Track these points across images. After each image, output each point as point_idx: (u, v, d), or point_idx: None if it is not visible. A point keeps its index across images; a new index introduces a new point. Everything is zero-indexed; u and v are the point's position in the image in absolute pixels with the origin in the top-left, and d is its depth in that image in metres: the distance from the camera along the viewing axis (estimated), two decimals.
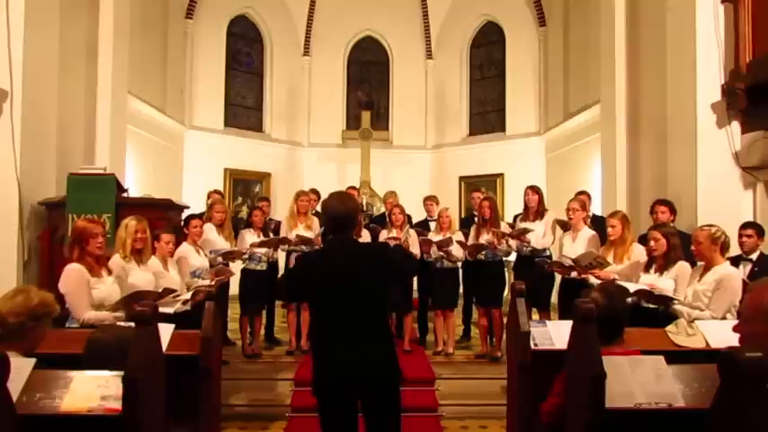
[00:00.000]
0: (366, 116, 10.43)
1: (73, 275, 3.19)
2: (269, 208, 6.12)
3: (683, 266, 3.64)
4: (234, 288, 5.43)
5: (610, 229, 4.22)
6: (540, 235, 5.23)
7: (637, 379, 2.10)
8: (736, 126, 4.79)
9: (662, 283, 3.63)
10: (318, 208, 6.60)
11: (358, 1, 10.95)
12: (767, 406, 1.56)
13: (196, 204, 5.87)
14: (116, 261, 3.57)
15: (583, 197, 5.39)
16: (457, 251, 5.37)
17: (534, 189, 5.42)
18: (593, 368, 2.03)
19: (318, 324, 2.60)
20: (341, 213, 2.56)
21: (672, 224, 4.45)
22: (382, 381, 2.49)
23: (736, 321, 1.98)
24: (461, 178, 10.68)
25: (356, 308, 2.47)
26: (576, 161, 8.45)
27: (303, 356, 5.47)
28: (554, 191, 8.26)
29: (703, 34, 4.86)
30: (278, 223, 5.97)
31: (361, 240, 5.53)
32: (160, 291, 3.56)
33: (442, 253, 5.36)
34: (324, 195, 6.69)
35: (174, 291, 3.66)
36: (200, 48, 9.88)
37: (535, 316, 5.11)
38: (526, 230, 5.17)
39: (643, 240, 4.10)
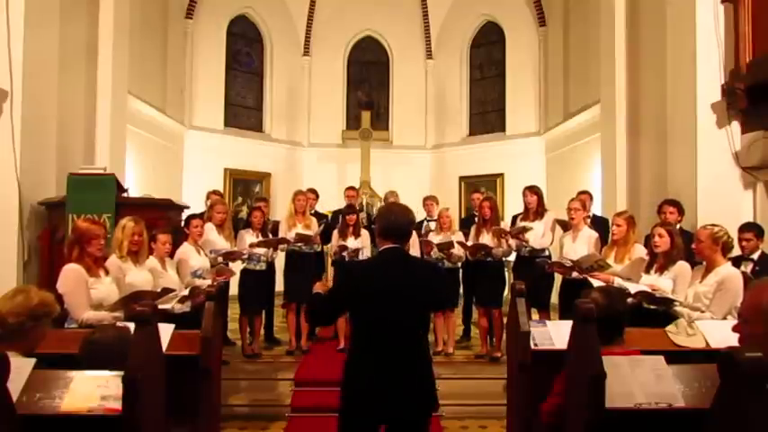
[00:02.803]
0: (366, 116, 10.43)
1: (71, 276, 3.19)
2: (267, 208, 6.12)
3: (682, 266, 3.64)
4: (234, 288, 5.43)
5: (615, 228, 4.21)
6: (539, 235, 5.23)
7: (637, 379, 2.10)
8: (736, 126, 4.79)
9: (661, 282, 3.63)
10: (318, 208, 6.62)
11: (358, 1, 10.95)
12: (767, 406, 1.56)
13: (196, 204, 5.86)
14: (113, 261, 3.56)
15: (584, 196, 5.39)
16: (457, 251, 5.37)
17: (533, 189, 5.42)
18: (593, 368, 2.03)
19: (362, 336, 2.46)
20: (403, 224, 2.51)
21: (679, 224, 4.46)
22: (417, 405, 2.40)
23: (736, 321, 1.98)
24: (461, 178, 10.68)
25: (404, 324, 2.40)
26: (576, 161, 8.45)
27: (303, 356, 5.48)
28: (554, 191, 8.26)
29: (703, 34, 4.86)
30: (275, 223, 5.97)
31: (360, 239, 5.55)
32: (159, 290, 3.56)
33: (442, 254, 5.36)
34: (323, 195, 6.83)
35: (172, 291, 3.66)
36: (200, 48, 9.88)
37: (535, 316, 5.11)
38: (525, 229, 5.17)
39: (647, 240, 4.09)
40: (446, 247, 5.31)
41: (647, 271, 3.78)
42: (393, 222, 2.52)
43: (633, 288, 3.56)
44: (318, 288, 2.64)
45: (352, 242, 5.51)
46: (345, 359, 2.51)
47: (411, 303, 2.42)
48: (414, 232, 5.67)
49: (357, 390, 2.38)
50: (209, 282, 4.33)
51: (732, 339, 1.94)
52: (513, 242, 5.33)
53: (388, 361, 2.35)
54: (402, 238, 2.53)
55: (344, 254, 5.39)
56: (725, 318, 3.30)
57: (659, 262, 3.71)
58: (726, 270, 3.42)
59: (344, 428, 2.43)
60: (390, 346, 2.37)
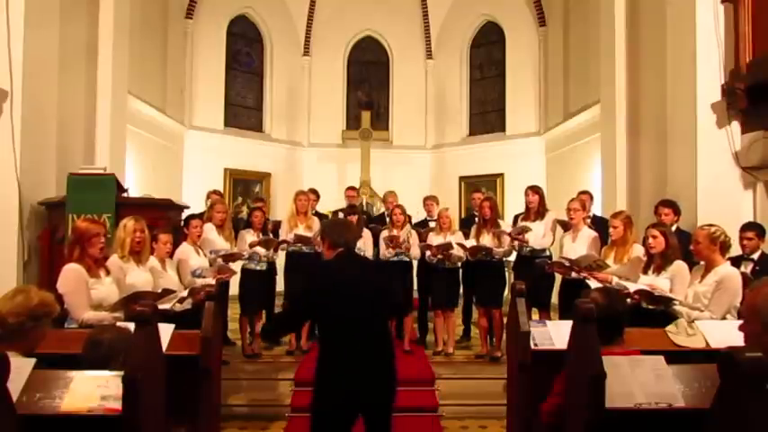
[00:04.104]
0: (366, 116, 10.43)
1: (71, 276, 3.19)
2: (266, 208, 6.12)
3: (679, 266, 3.64)
4: (234, 288, 5.43)
5: (611, 230, 4.21)
6: (539, 235, 5.22)
7: (637, 379, 2.10)
8: (736, 126, 4.79)
9: (658, 283, 3.63)
10: (318, 208, 6.62)
11: (358, 1, 10.95)
12: (767, 406, 1.56)
13: (196, 204, 5.86)
14: (114, 261, 3.56)
15: (584, 197, 5.39)
16: (457, 251, 5.37)
17: (535, 189, 5.41)
18: (593, 368, 2.03)
19: (331, 333, 2.68)
20: (356, 239, 2.93)
21: (676, 225, 4.46)
22: (388, 397, 2.67)
23: (735, 321, 1.99)
24: (461, 178, 10.67)
25: (371, 325, 2.64)
26: (576, 161, 8.45)
27: (303, 356, 5.47)
28: (554, 191, 8.24)
29: (703, 34, 4.86)
30: (276, 223, 5.97)
31: (362, 240, 5.55)
32: (159, 291, 3.56)
33: (441, 256, 5.35)
34: (323, 195, 6.83)
35: (173, 291, 3.66)
36: (200, 48, 9.88)
37: (535, 316, 5.11)
38: (525, 229, 5.16)
39: (645, 241, 4.09)
40: (445, 248, 5.30)
41: (645, 271, 3.78)
42: (348, 240, 2.86)
43: (632, 287, 3.57)
44: None
45: None
46: (317, 357, 2.69)
47: (371, 297, 2.69)
48: (414, 232, 5.72)
49: (333, 384, 2.58)
50: (209, 281, 4.32)
51: (732, 339, 1.94)
52: (515, 242, 5.32)
53: (357, 353, 2.58)
54: (349, 246, 2.86)
55: None
56: (724, 317, 3.31)
57: (656, 262, 3.72)
58: (724, 270, 3.42)
59: (320, 423, 2.60)
60: (359, 338, 2.61)
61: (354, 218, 5.63)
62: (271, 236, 5.55)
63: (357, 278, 2.68)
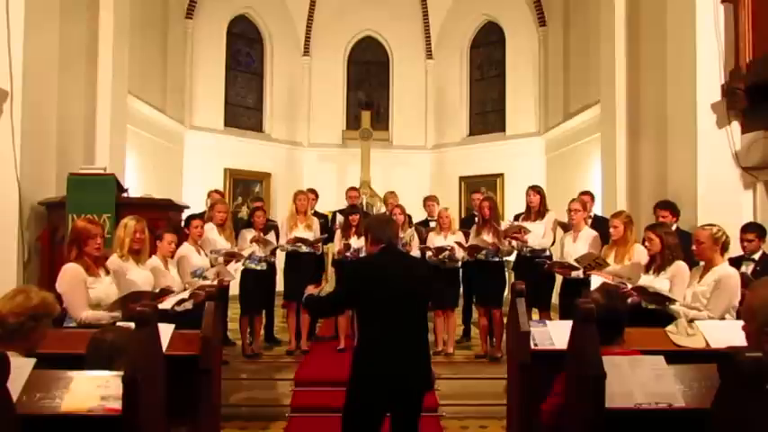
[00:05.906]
0: (366, 116, 10.44)
1: (70, 275, 3.19)
2: (264, 208, 6.13)
3: (679, 266, 3.63)
4: (234, 288, 5.43)
5: (612, 230, 4.21)
6: (539, 235, 5.22)
7: (637, 379, 2.10)
8: (736, 126, 4.78)
9: (657, 283, 3.63)
10: (318, 208, 6.62)
11: (358, 1, 10.96)
12: (767, 406, 1.56)
13: (196, 204, 5.86)
14: (113, 260, 3.56)
15: (585, 197, 5.39)
16: (458, 251, 5.36)
17: (536, 189, 5.41)
18: (593, 368, 2.03)
19: (371, 328, 2.74)
20: (394, 234, 2.95)
21: (675, 225, 4.45)
22: (420, 390, 2.74)
23: (735, 321, 2.00)
24: (461, 178, 10.68)
25: (409, 317, 2.72)
26: (576, 161, 8.45)
27: (303, 356, 5.48)
28: (554, 191, 8.23)
29: (703, 34, 4.86)
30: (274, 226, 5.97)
31: (363, 239, 5.55)
32: (157, 291, 3.56)
33: (447, 254, 5.34)
34: (323, 195, 6.83)
35: (171, 291, 3.66)
36: (200, 48, 9.89)
37: (535, 316, 5.10)
38: (522, 229, 5.15)
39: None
40: (443, 251, 5.28)
41: (646, 271, 3.78)
42: (390, 235, 2.90)
43: (630, 284, 3.57)
44: (311, 290, 2.94)
45: (354, 242, 5.51)
46: (356, 346, 2.82)
47: (412, 294, 2.76)
48: (415, 233, 5.72)
49: (367, 375, 2.64)
50: (209, 282, 4.31)
51: (731, 339, 1.94)
52: (514, 242, 5.32)
53: (392, 344, 2.64)
54: (391, 242, 2.92)
55: (348, 253, 5.39)
56: (722, 317, 3.30)
57: (656, 263, 3.72)
58: (723, 269, 3.42)
59: (352, 412, 2.66)
60: (397, 332, 2.66)
61: (356, 217, 5.64)
62: (271, 236, 5.54)
63: (397, 271, 2.75)
